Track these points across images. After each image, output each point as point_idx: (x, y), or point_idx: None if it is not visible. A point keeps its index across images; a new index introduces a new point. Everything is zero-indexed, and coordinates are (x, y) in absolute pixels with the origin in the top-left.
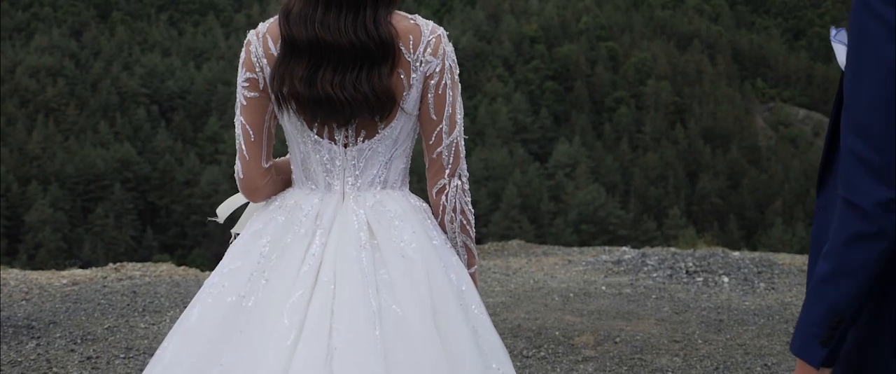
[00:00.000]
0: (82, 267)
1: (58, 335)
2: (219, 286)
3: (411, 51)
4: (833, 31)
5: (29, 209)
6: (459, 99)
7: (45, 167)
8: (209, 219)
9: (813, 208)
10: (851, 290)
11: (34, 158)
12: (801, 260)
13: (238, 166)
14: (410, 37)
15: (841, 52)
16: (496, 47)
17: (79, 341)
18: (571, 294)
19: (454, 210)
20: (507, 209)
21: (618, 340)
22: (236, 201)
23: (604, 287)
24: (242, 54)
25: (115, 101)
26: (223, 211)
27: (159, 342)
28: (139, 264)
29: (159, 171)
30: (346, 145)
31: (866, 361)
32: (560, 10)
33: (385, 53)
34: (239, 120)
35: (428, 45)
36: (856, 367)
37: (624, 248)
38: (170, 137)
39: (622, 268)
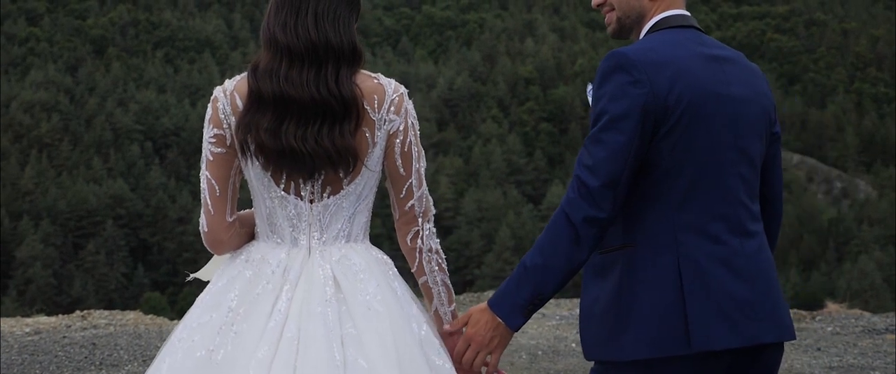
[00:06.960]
0: (48, 314)
1: None
2: (188, 341)
3: (376, 110)
4: (589, 87)
5: (20, 245)
6: (423, 153)
7: (37, 203)
8: (191, 277)
9: (807, 254)
10: (555, 281)
11: (26, 194)
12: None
13: (203, 220)
14: (375, 96)
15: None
16: (491, 88)
17: None
18: (540, 352)
19: (430, 251)
20: (500, 251)
21: None
22: (219, 261)
23: (574, 344)
24: (209, 111)
25: (109, 137)
26: (207, 274)
27: None
28: (106, 312)
29: (152, 208)
30: (311, 201)
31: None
32: (555, 52)
33: (346, 111)
34: (205, 175)
35: (391, 103)
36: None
37: None
38: (163, 174)
39: None
